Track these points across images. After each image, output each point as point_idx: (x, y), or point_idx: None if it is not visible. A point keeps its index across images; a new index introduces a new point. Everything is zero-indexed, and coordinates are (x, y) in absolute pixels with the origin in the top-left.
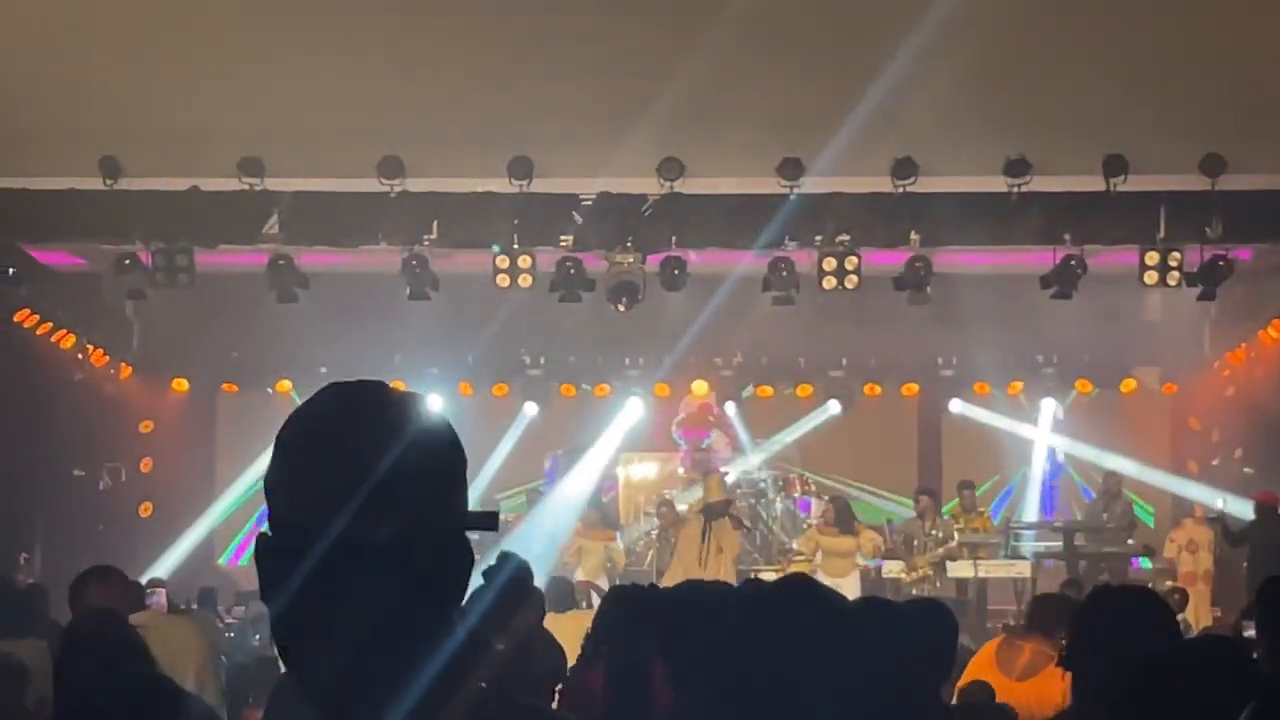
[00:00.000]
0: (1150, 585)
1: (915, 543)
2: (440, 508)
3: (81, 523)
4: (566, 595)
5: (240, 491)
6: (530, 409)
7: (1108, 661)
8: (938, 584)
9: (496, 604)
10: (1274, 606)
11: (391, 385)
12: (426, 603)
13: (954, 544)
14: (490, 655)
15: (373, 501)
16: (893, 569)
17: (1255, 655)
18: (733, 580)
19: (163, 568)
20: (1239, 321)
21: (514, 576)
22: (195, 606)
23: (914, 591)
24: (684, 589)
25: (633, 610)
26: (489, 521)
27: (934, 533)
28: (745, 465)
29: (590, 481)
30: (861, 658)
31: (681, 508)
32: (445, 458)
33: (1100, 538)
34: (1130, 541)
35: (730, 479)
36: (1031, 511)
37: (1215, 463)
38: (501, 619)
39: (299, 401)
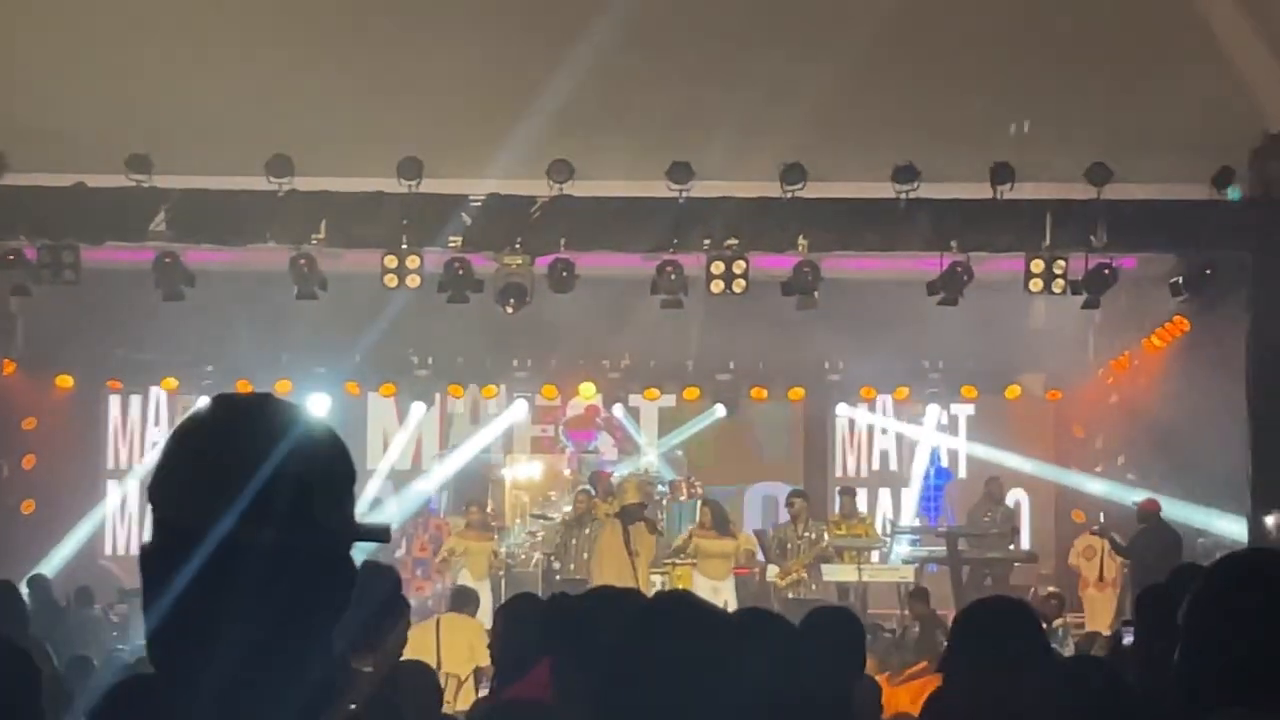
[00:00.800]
0: (1032, 590)
1: (789, 546)
2: (325, 515)
3: None
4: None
5: (128, 488)
6: (418, 409)
7: (978, 670)
8: (813, 587)
9: (366, 620)
10: (1151, 614)
11: (276, 394)
12: (305, 615)
13: (824, 545)
14: (359, 677)
15: (255, 506)
16: (769, 573)
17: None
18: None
19: (47, 565)
20: (1123, 329)
21: (384, 589)
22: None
23: (789, 595)
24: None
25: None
26: (380, 534)
27: (806, 534)
28: (634, 467)
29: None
30: (741, 675)
31: (555, 517)
32: (331, 465)
33: (983, 543)
34: (1011, 547)
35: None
36: (909, 516)
37: (1099, 469)
38: (372, 637)
39: (185, 399)
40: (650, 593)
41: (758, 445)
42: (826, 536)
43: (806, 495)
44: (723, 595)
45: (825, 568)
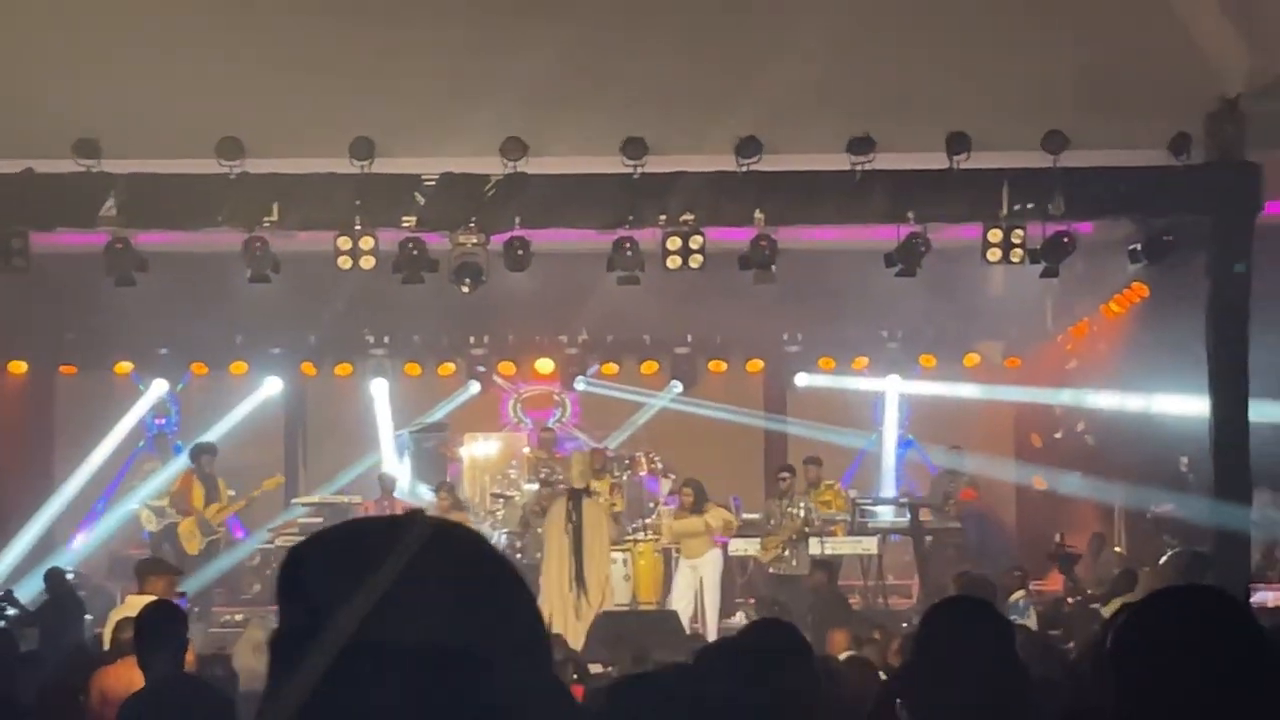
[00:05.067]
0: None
1: (772, 521)
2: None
3: None
4: None
5: (82, 476)
6: (377, 388)
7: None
8: (794, 562)
9: None
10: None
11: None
12: None
13: (807, 520)
14: None
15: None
16: (740, 547)
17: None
18: (607, 568)
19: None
20: (1081, 296)
21: None
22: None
23: (770, 570)
24: None
25: None
26: None
27: (791, 510)
28: (593, 443)
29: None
30: None
31: (514, 495)
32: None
33: (945, 515)
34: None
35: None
36: (888, 486)
37: (1058, 435)
38: None
39: (139, 384)
40: (603, 572)
41: (717, 417)
42: (810, 513)
43: (795, 470)
44: (700, 572)
45: (812, 540)
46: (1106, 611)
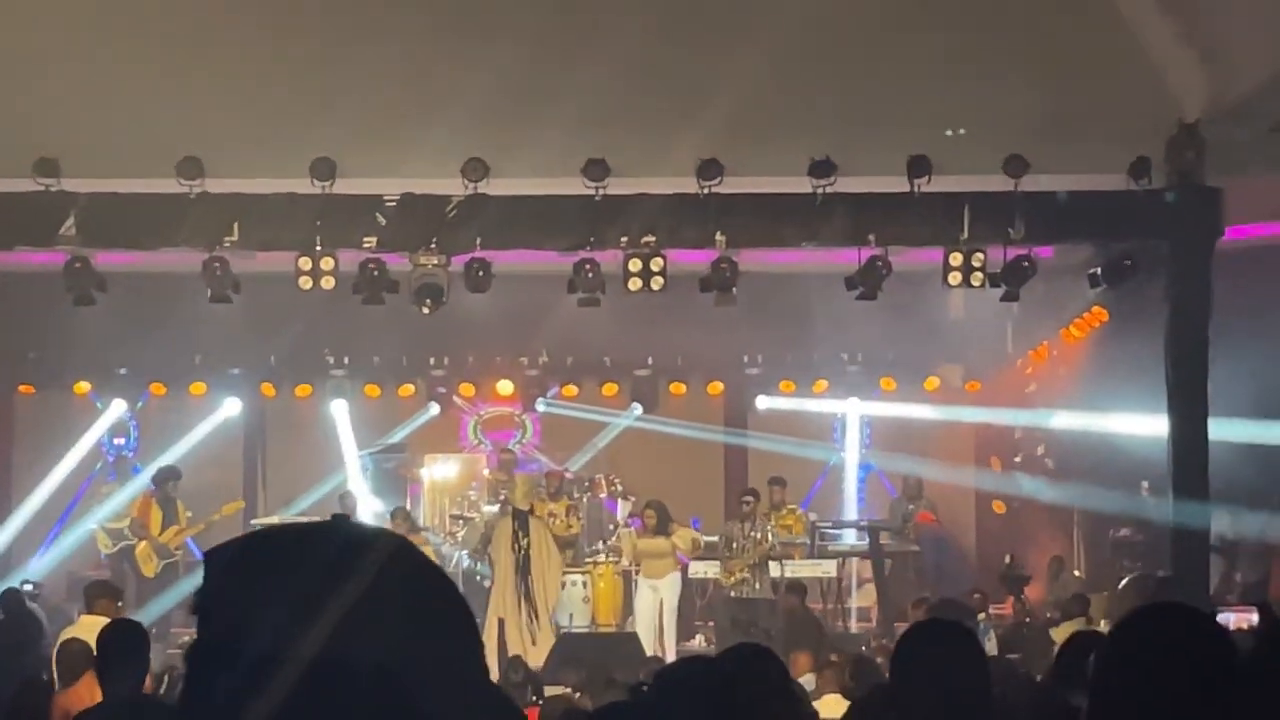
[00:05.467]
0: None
1: (735, 545)
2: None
3: None
4: None
5: (40, 496)
6: (338, 409)
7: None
8: (756, 586)
9: None
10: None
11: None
12: None
13: (770, 545)
14: None
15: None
16: (708, 570)
17: None
18: (557, 590)
19: None
20: (1041, 319)
21: None
22: None
23: (732, 594)
24: None
25: None
26: None
27: (753, 534)
28: (554, 464)
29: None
30: None
31: (474, 516)
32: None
33: (904, 538)
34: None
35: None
36: (849, 509)
37: (1018, 459)
38: None
39: (97, 404)
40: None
41: (677, 439)
42: (773, 537)
43: (759, 495)
44: (660, 594)
45: (772, 564)
46: (1058, 635)
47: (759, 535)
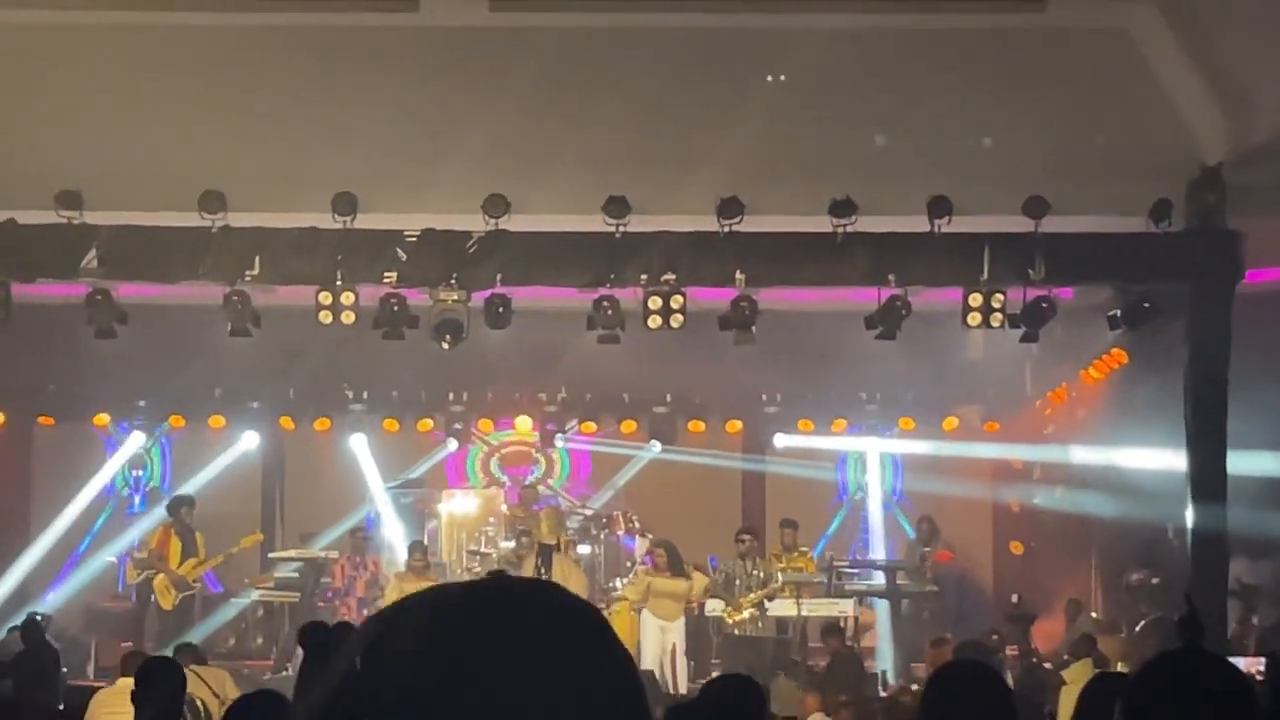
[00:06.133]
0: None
1: (738, 583)
2: None
3: None
4: None
5: (59, 527)
6: (357, 443)
7: None
8: (759, 624)
9: None
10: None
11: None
12: None
13: (776, 584)
14: None
15: None
16: (714, 608)
17: None
18: None
19: None
20: (1060, 360)
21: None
22: None
23: (736, 632)
24: None
25: None
26: None
27: (756, 573)
28: (572, 500)
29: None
30: None
31: (491, 553)
32: None
33: (921, 578)
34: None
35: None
36: (879, 546)
37: (1036, 500)
38: None
39: (115, 434)
40: None
41: (695, 477)
42: (778, 576)
43: (757, 532)
44: (670, 636)
45: (768, 603)
46: (1068, 676)
47: (762, 575)
